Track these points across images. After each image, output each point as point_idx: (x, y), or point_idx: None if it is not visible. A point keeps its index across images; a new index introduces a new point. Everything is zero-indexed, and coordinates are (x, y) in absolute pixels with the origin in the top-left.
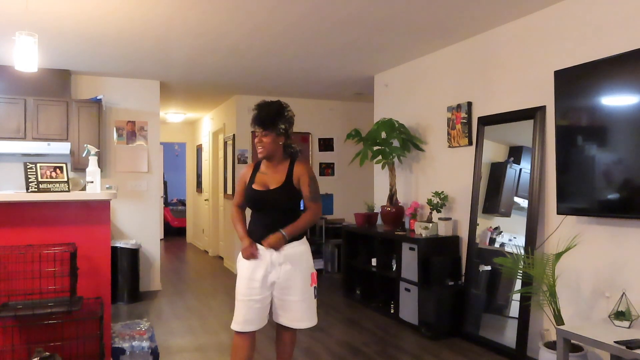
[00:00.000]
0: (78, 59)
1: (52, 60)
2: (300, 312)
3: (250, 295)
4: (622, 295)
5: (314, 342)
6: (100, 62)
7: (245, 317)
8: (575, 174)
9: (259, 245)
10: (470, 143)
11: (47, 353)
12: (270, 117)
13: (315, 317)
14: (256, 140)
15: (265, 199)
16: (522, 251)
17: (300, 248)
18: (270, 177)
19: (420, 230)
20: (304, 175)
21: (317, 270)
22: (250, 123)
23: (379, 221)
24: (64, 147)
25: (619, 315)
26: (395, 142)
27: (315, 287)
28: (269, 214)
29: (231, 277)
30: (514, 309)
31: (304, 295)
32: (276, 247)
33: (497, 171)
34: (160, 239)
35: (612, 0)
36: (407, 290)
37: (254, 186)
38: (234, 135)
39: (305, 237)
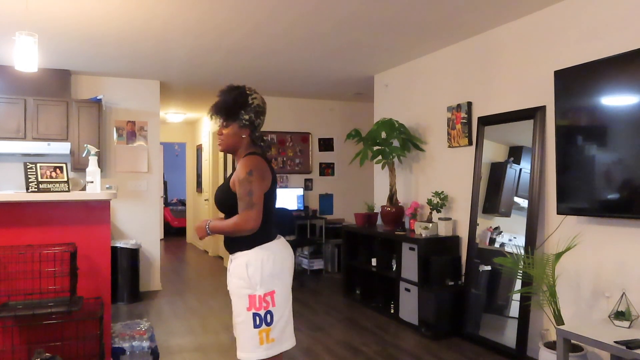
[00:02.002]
0: (78, 59)
1: (52, 60)
2: (237, 336)
3: None
4: (622, 295)
5: (314, 342)
6: (100, 62)
7: None
8: (575, 174)
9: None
10: (470, 143)
11: (47, 354)
12: (231, 105)
13: (252, 353)
14: (218, 131)
15: (215, 201)
16: (522, 251)
17: (239, 260)
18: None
19: (420, 230)
20: (237, 175)
21: (316, 270)
22: (209, 111)
23: (379, 221)
24: (64, 147)
25: (619, 315)
26: (395, 142)
27: (255, 314)
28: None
29: None
30: (514, 309)
31: (238, 319)
32: (197, 234)
33: (497, 171)
34: (160, 239)
35: (612, 0)
36: (407, 290)
37: None
38: None
39: (256, 246)
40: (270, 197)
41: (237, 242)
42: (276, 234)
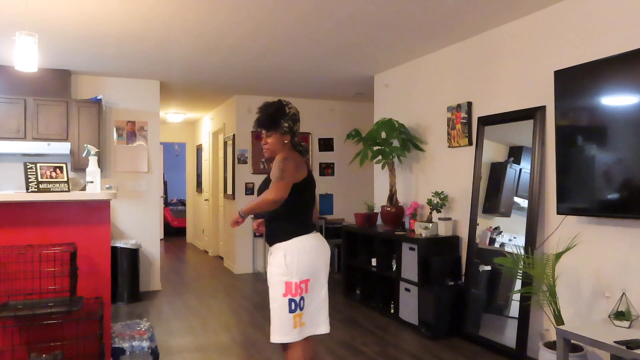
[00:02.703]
0: (78, 59)
1: (52, 60)
2: (272, 321)
3: None
4: (622, 295)
5: (314, 342)
6: (100, 62)
7: None
8: (575, 174)
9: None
10: (470, 143)
11: (47, 355)
12: (271, 116)
13: (287, 335)
14: (262, 141)
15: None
16: (522, 251)
17: (277, 251)
18: None
19: (420, 230)
20: (274, 163)
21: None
22: (253, 125)
23: (379, 221)
24: (64, 147)
25: (619, 315)
26: (395, 142)
27: (291, 300)
28: None
29: (231, 277)
30: (514, 309)
31: (273, 304)
32: (231, 224)
33: (497, 171)
34: (160, 239)
35: (612, 0)
36: (407, 290)
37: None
38: (233, 135)
39: (292, 238)
40: (305, 189)
41: (276, 234)
42: (313, 228)
